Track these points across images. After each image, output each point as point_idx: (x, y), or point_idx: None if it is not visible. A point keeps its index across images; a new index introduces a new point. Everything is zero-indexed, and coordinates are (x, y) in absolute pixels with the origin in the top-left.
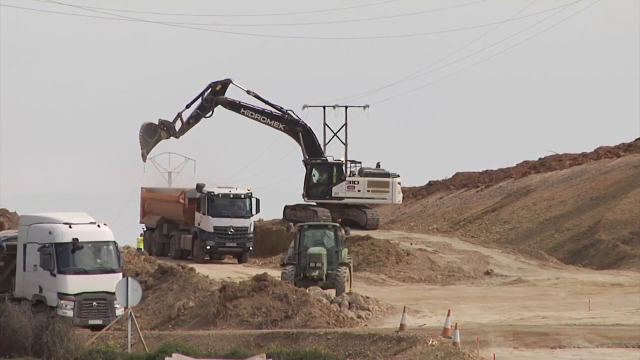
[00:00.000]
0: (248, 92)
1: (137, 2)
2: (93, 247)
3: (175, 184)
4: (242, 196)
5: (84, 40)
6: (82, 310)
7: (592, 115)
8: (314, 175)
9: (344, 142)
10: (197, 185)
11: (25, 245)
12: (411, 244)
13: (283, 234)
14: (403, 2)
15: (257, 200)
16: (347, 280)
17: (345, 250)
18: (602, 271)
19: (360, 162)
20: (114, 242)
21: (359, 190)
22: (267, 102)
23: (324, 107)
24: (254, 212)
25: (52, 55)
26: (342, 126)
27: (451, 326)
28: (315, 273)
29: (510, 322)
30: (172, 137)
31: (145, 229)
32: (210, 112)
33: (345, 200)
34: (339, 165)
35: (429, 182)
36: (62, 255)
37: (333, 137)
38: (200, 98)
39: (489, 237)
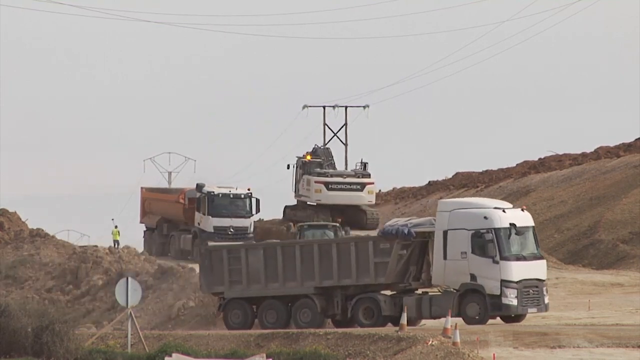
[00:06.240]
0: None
1: (137, 2)
2: (525, 232)
3: (175, 184)
4: (242, 196)
5: (84, 40)
6: (523, 298)
7: (592, 115)
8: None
9: (344, 142)
10: (197, 185)
11: (446, 232)
12: None
13: (283, 234)
14: (403, 2)
15: (257, 200)
16: None
17: None
18: (602, 271)
19: (367, 163)
20: (534, 227)
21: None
22: None
23: (324, 107)
24: (254, 212)
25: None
26: (342, 126)
27: (451, 326)
28: None
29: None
30: None
31: (145, 229)
32: None
33: (295, 197)
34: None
35: (429, 182)
36: (502, 241)
37: (333, 137)
38: None
39: None
